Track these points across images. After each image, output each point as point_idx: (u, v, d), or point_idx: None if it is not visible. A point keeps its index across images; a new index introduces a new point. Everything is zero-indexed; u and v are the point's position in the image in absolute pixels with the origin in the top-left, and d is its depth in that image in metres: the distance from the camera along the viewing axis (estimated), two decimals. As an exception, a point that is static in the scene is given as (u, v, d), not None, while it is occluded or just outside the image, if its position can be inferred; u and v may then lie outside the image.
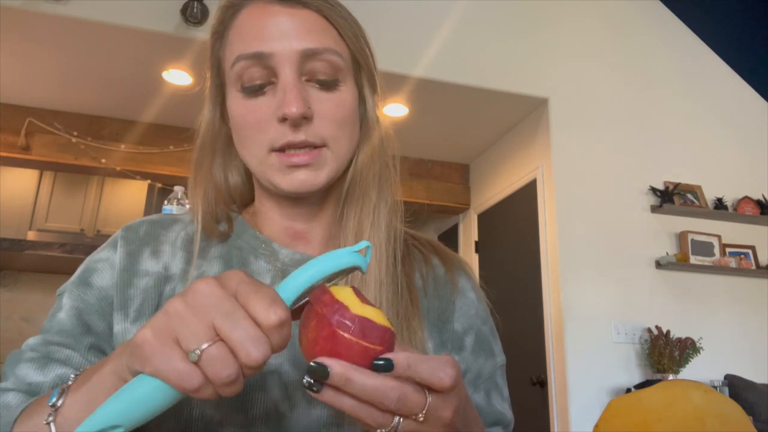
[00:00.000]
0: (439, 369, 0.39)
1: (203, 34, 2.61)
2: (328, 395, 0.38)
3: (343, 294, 0.41)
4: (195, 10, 2.53)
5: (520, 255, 3.22)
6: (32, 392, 0.51)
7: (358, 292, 0.42)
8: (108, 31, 2.58)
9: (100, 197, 4.53)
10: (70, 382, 0.43)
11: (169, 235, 0.62)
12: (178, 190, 1.95)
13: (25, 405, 0.47)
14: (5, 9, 2.42)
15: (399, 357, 0.38)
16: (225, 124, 0.64)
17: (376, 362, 0.38)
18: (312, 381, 0.38)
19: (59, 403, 0.41)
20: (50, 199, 4.44)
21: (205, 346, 0.35)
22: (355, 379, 0.37)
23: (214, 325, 0.36)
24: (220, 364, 0.35)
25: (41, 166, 3.59)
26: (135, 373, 0.37)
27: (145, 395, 0.36)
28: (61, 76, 3.03)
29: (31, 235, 4.29)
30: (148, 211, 4.53)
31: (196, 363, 0.35)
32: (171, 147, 3.46)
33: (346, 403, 0.38)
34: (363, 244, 0.44)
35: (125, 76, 3.00)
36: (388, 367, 0.38)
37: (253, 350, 0.35)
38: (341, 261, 0.42)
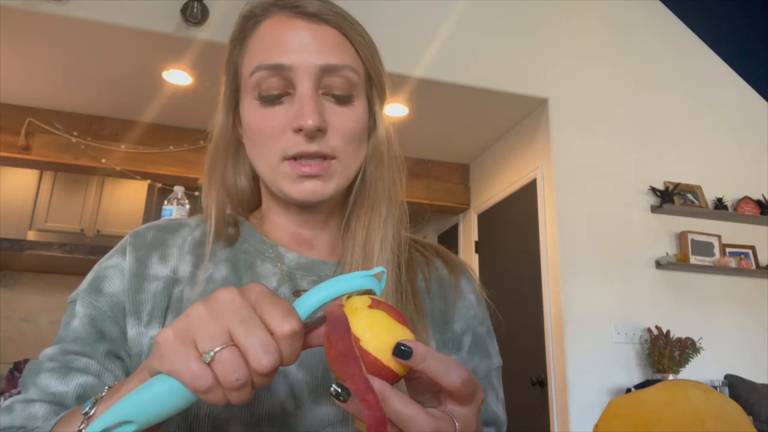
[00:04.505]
0: (452, 369, 0.40)
1: (203, 34, 2.61)
2: (353, 405, 0.39)
3: (359, 311, 0.42)
4: (195, 10, 2.53)
5: (520, 255, 3.22)
6: (56, 402, 0.53)
7: (378, 304, 0.42)
8: (108, 31, 2.58)
9: (100, 197, 4.53)
10: (103, 393, 0.45)
11: (177, 239, 0.64)
12: (178, 190, 1.95)
13: (53, 416, 0.49)
14: (5, 9, 2.42)
15: (419, 348, 0.39)
16: (236, 129, 0.65)
17: (397, 346, 0.39)
18: (339, 390, 0.38)
19: (92, 412, 0.43)
20: (50, 199, 4.43)
21: (218, 348, 0.37)
22: (391, 403, 0.38)
23: (230, 330, 0.38)
24: (231, 366, 0.37)
25: (41, 166, 3.59)
26: (154, 373, 0.39)
27: (160, 394, 0.38)
28: (61, 76, 3.03)
29: (31, 235, 4.29)
30: (148, 211, 4.53)
31: (209, 365, 0.37)
32: (171, 147, 3.46)
33: None
34: (378, 269, 0.46)
35: (125, 76, 3.00)
36: (407, 354, 0.39)
37: (263, 356, 0.37)
38: (355, 284, 0.43)
